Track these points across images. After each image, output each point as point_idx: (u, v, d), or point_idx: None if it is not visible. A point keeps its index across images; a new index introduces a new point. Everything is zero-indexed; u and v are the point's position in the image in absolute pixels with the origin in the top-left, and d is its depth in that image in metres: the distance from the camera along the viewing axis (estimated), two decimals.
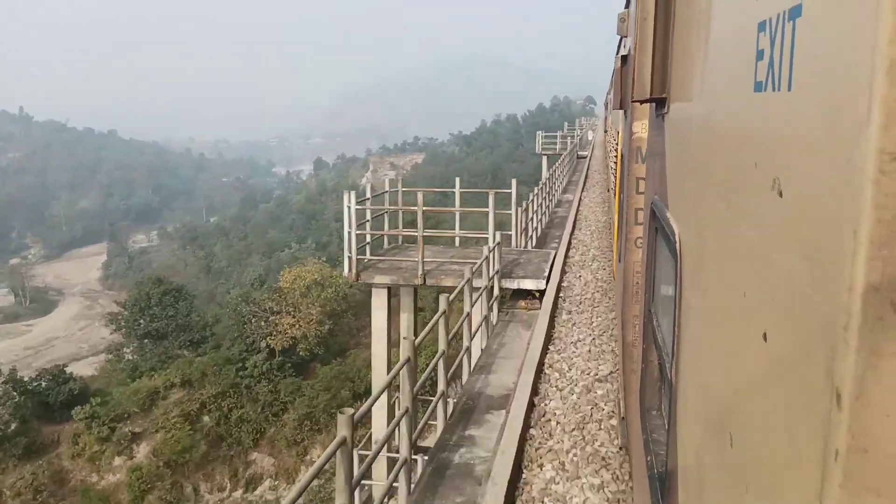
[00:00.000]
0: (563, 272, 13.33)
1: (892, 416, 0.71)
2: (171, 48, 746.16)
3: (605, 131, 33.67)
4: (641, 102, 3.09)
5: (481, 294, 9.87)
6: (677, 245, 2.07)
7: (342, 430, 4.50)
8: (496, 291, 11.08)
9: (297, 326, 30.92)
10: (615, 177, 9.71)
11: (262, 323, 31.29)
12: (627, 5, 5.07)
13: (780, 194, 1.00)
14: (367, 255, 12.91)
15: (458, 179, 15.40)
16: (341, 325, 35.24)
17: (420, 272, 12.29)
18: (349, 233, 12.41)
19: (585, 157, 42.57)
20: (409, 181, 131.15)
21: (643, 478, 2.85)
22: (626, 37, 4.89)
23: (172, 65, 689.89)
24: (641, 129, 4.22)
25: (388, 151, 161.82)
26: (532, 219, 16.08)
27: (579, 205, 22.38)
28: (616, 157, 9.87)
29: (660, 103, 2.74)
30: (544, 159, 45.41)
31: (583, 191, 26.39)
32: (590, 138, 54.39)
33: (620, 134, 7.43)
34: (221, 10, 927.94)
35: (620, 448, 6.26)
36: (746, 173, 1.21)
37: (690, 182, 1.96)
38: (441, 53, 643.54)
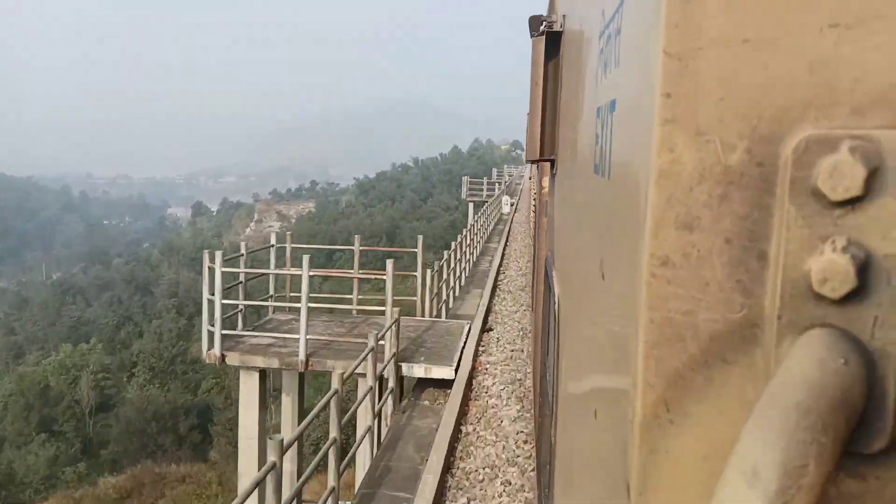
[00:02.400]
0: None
1: None
2: (83, 76, 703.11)
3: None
4: (533, 162, 3.29)
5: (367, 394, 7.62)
6: (556, 306, 2.06)
7: None
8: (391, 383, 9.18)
9: None
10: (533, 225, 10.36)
11: None
12: None
13: (603, 277, 1.03)
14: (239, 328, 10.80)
15: (357, 238, 12.79)
16: None
17: (302, 355, 10.00)
18: (211, 301, 10.10)
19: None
20: (296, 234, 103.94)
21: None
22: None
23: (79, 95, 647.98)
24: (548, 183, 4.45)
25: (278, 198, 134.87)
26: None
27: None
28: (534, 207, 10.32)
29: (552, 163, 2.89)
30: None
31: None
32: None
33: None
34: (146, 42, 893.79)
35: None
36: (588, 250, 1.26)
37: (566, 246, 2.00)
38: (375, 94, 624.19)
